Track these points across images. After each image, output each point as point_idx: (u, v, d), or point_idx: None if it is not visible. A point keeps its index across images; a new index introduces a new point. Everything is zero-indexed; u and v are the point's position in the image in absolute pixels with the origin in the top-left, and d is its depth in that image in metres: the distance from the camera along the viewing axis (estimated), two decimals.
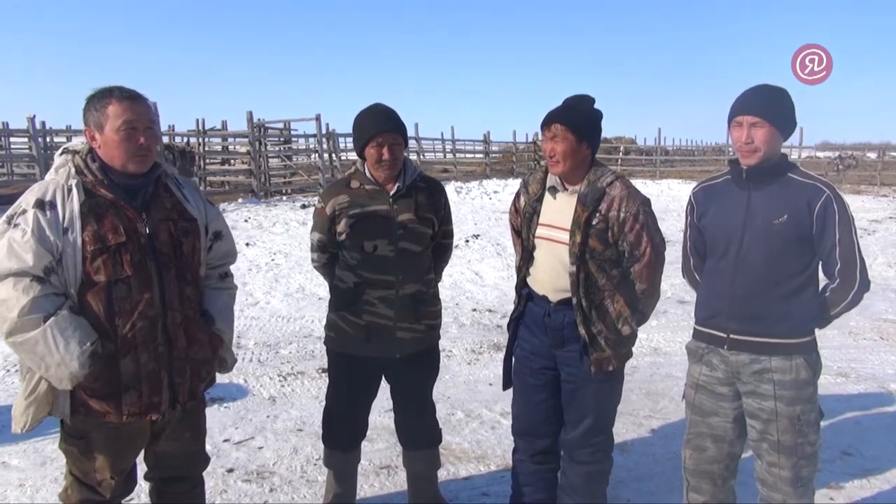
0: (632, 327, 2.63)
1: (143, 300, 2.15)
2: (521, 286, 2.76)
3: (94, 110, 2.15)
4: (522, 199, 2.77)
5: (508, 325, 2.88)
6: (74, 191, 2.10)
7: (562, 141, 2.51)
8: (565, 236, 2.55)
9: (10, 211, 2.10)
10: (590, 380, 2.62)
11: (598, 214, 2.52)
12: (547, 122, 2.55)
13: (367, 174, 2.86)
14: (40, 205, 2.06)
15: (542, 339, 2.69)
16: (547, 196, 2.67)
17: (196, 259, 2.35)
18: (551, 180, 2.64)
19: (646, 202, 2.56)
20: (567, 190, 2.61)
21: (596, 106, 2.62)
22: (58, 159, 2.20)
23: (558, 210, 2.62)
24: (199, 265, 2.38)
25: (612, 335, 2.59)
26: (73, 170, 2.15)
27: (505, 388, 2.90)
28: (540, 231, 2.65)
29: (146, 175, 2.24)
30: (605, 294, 2.58)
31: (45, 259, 2.04)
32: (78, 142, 2.26)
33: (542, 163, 2.70)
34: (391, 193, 2.84)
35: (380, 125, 2.78)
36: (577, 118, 2.54)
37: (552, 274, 2.61)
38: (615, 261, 2.58)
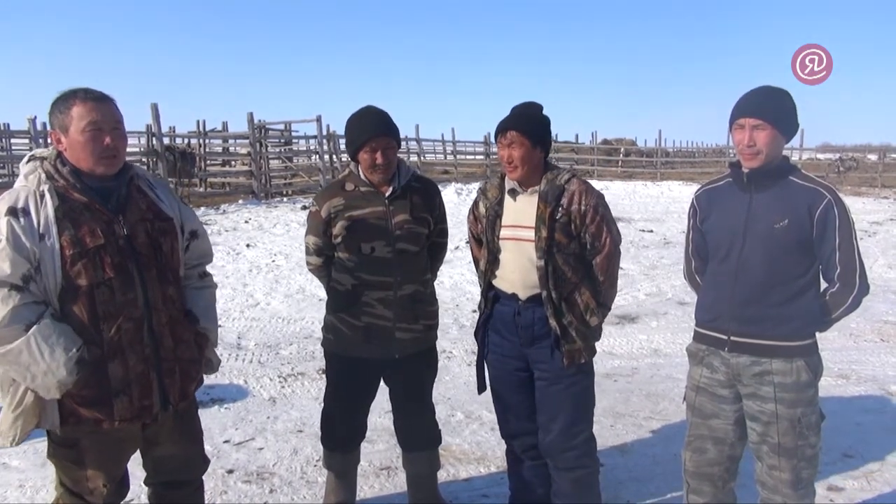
0: (598, 318, 2.71)
1: (126, 302, 2.12)
2: (488, 289, 2.80)
3: (59, 112, 2.10)
4: (482, 205, 2.83)
5: (476, 331, 2.91)
6: (47, 196, 2.05)
7: (518, 147, 2.60)
8: (530, 233, 2.63)
9: None
10: (562, 375, 2.66)
11: (560, 209, 2.62)
12: (502, 130, 2.64)
13: (362, 176, 2.86)
14: (13, 212, 2.00)
15: (513, 340, 2.73)
16: (507, 199, 2.73)
17: (175, 258, 2.32)
18: (510, 184, 2.72)
19: (601, 196, 2.70)
20: (526, 191, 2.69)
21: (544, 112, 2.71)
22: (25, 167, 2.15)
23: (520, 210, 2.68)
24: (179, 265, 2.35)
25: (581, 326, 2.66)
26: (43, 175, 2.09)
27: (480, 391, 2.94)
28: (504, 232, 2.71)
29: (118, 177, 2.19)
30: (573, 286, 2.65)
31: (22, 267, 1.99)
32: (44, 150, 2.22)
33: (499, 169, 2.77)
34: (386, 195, 2.84)
35: (372, 130, 2.78)
36: (530, 124, 2.63)
37: (521, 272, 2.66)
38: (579, 255, 2.66)
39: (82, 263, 2.05)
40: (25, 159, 2.19)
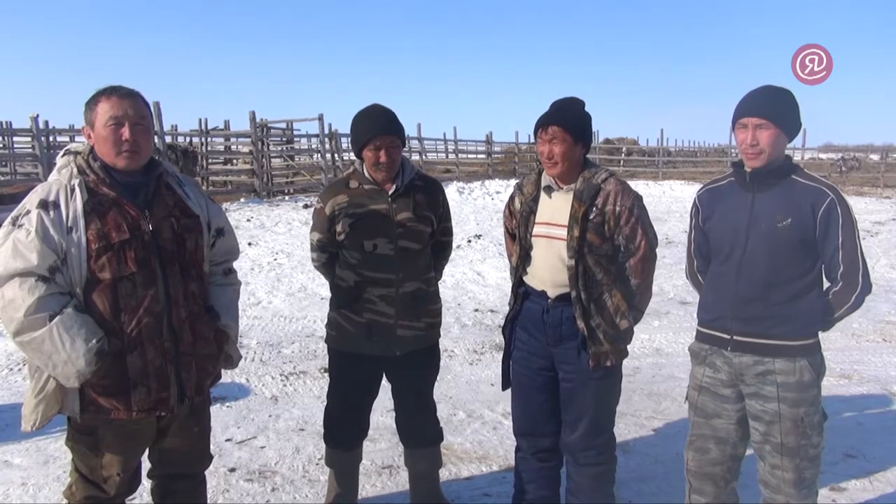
0: (629, 322, 2.66)
1: (147, 296, 2.17)
2: (518, 285, 2.78)
3: (89, 109, 2.20)
4: (517, 200, 2.80)
5: (504, 326, 2.89)
6: (77, 190, 2.12)
7: (560, 143, 2.55)
8: (563, 232, 2.59)
9: (14, 212, 2.12)
10: (588, 377, 2.63)
11: (594, 209, 2.57)
12: (544, 125, 2.58)
13: (366, 174, 2.87)
14: (44, 205, 2.09)
15: (540, 338, 2.71)
16: (542, 196, 2.70)
17: (199, 255, 2.36)
18: (546, 180, 2.68)
19: (638, 197, 2.63)
20: (562, 189, 2.65)
21: (586, 108, 2.66)
22: (60, 161, 2.23)
23: (555, 208, 2.65)
24: (203, 261, 2.40)
25: (610, 329, 2.62)
26: (75, 170, 2.17)
27: (504, 388, 2.92)
28: (537, 229, 2.68)
29: (147, 173, 2.26)
30: (604, 288, 2.61)
31: (49, 258, 2.06)
32: (79, 144, 2.30)
33: (539, 165, 2.74)
34: (390, 193, 2.85)
35: (377, 128, 2.78)
36: (573, 120, 2.58)
37: (551, 270, 2.64)
38: (611, 256, 2.62)
39: (107, 257, 2.11)
40: (61, 153, 2.27)
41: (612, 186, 2.59)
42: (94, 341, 2.07)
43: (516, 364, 2.83)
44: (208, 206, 2.45)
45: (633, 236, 2.59)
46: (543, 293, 2.67)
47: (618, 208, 2.56)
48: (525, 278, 2.74)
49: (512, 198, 2.86)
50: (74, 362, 2.05)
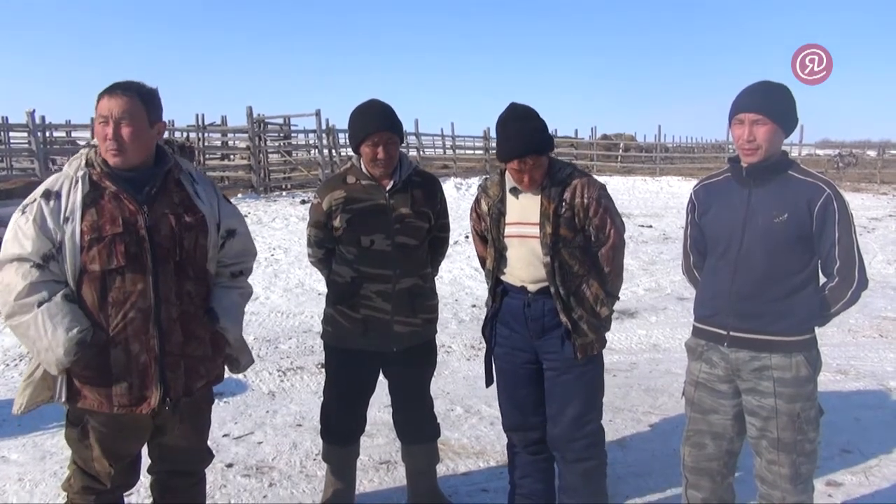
0: (608, 309, 2.72)
1: (135, 292, 2.17)
2: (496, 285, 2.80)
3: (95, 106, 2.21)
4: (484, 203, 2.82)
5: (483, 326, 2.91)
6: (80, 182, 2.16)
7: (539, 167, 2.61)
8: (535, 230, 2.64)
9: (25, 200, 2.18)
10: (572, 365, 2.67)
11: (563, 204, 2.63)
12: (520, 156, 2.56)
13: (363, 170, 2.87)
14: (47, 195, 2.15)
15: (522, 332, 2.74)
16: (509, 197, 2.73)
17: (200, 254, 2.33)
18: (511, 182, 2.71)
19: (604, 187, 2.71)
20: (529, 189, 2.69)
21: (540, 115, 2.66)
22: (77, 153, 2.28)
23: (524, 206, 2.69)
24: (205, 261, 2.37)
25: (592, 319, 2.68)
26: (83, 162, 2.21)
27: (488, 385, 2.94)
28: (509, 230, 2.71)
29: (155, 168, 2.27)
30: (581, 280, 2.67)
31: (44, 247, 2.10)
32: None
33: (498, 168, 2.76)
34: (387, 188, 2.84)
35: (375, 125, 2.78)
36: (541, 140, 2.60)
37: (528, 268, 2.68)
38: (584, 247, 2.68)
39: (97, 248, 2.13)
40: (84, 145, 2.33)
41: (578, 179, 2.66)
42: (74, 331, 2.09)
43: (500, 360, 2.85)
44: (220, 206, 2.41)
45: (602, 226, 2.65)
46: (523, 288, 2.71)
47: (586, 200, 2.62)
48: (502, 277, 2.77)
49: (477, 200, 2.88)
50: (54, 350, 2.08)
